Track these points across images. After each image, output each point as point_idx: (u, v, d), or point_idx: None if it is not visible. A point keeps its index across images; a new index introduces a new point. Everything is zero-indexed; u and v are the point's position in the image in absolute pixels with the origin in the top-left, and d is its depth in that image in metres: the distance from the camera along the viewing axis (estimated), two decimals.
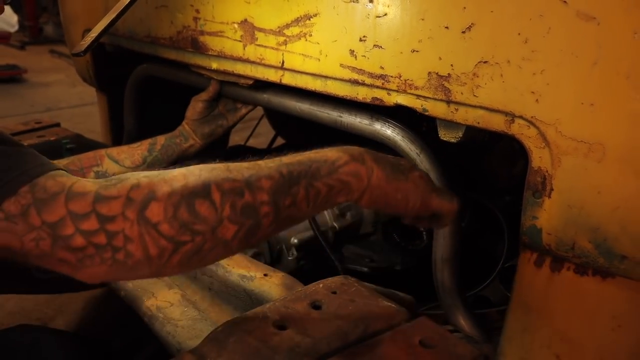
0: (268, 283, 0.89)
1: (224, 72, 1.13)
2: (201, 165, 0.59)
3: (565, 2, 0.63)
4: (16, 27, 7.07)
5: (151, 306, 0.86)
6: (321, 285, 0.78)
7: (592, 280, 0.68)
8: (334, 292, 0.77)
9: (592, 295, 0.69)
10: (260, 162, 0.61)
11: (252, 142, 2.00)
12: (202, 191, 0.55)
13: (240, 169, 0.59)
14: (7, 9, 6.89)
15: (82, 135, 1.53)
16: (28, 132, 1.52)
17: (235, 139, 1.99)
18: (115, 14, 1.00)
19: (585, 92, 0.63)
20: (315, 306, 0.74)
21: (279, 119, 1.89)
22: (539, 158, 0.69)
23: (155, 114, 1.46)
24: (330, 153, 0.64)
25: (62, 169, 0.58)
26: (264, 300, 0.85)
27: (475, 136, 0.80)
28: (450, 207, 0.71)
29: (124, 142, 1.45)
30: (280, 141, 1.97)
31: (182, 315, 0.84)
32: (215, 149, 1.48)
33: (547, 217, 0.69)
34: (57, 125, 1.61)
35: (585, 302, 0.69)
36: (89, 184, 0.55)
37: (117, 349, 1.23)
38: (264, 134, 2.10)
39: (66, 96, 4.44)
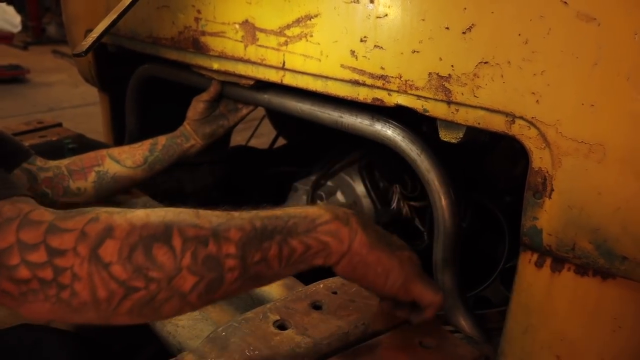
0: None
1: (225, 73, 1.13)
2: (169, 208, 0.55)
3: (565, 2, 0.63)
4: (19, 28, 7.10)
5: None
6: (321, 286, 0.79)
7: (593, 281, 0.68)
8: (335, 293, 0.77)
9: (592, 296, 0.69)
10: (234, 212, 0.57)
11: (253, 142, 2.00)
12: (163, 235, 0.51)
13: (210, 216, 0.54)
14: (10, 9, 6.92)
15: (84, 135, 1.53)
16: (30, 132, 1.53)
17: (237, 139, 1.99)
18: (117, 14, 1.01)
19: (586, 93, 0.63)
20: (316, 306, 0.74)
21: (281, 119, 1.89)
22: (539, 159, 0.69)
23: (156, 114, 1.46)
24: (311, 210, 0.60)
25: (29, 196, 0.54)
26: (265, 300, 0.85)
27: (476, 137, 0.79)
28: (433, 299, 0.65)
29: (126, 142, 1.45)
30: (281, 141, 1.97)
31: (183, 315, 0.84)
32: (217, 149, 1.48)
33: (547, 217, 0.69)
34: (59, 125, 1.61)
35: (586, 303, 0.69)
36: (47, 213, 0.52)
37: (118, 349, 1.24)
38: (266, 134, 2.10)
39: (68, 96, 4.45)
